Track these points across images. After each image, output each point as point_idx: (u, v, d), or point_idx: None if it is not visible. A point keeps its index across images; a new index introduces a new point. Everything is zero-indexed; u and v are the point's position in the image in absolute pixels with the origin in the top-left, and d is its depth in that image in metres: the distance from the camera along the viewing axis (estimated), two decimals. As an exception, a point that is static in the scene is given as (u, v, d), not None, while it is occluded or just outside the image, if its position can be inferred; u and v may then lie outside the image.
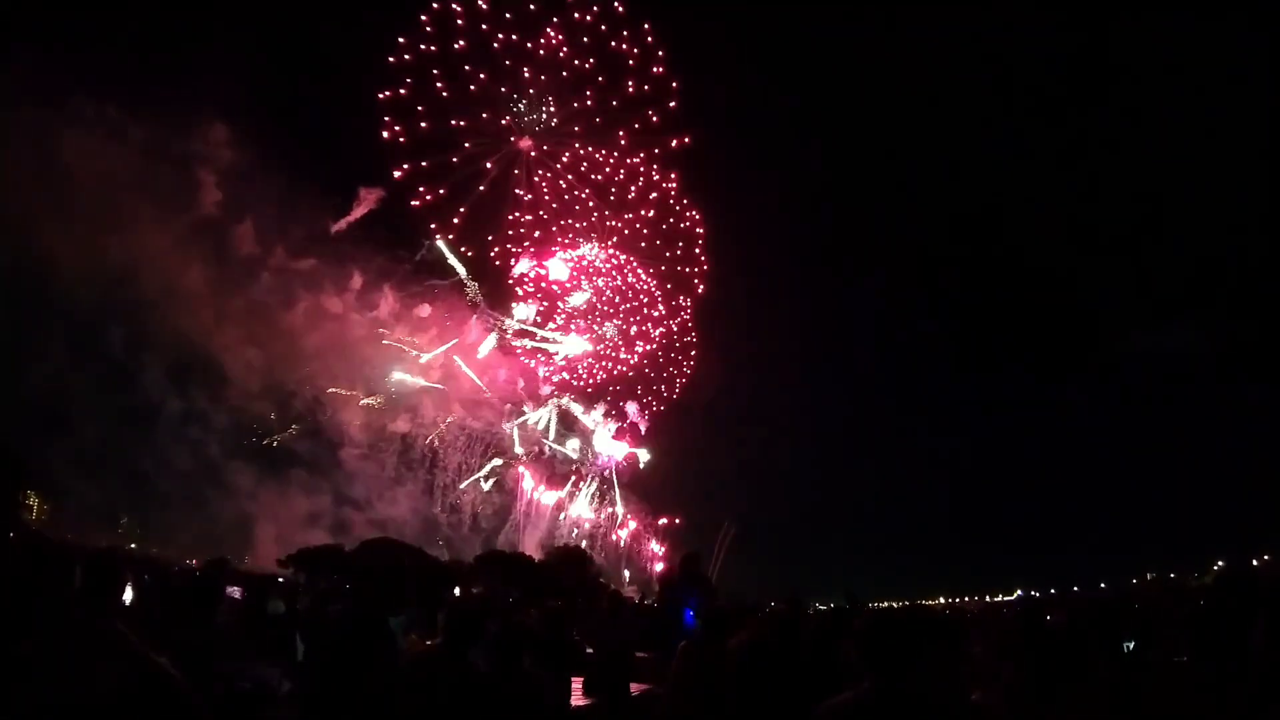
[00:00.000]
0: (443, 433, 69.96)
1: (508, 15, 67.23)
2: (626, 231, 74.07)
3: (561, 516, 74.41)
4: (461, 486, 70.69)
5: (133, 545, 51.52)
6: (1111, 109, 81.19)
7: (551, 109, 70.18)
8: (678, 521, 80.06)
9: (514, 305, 72.49)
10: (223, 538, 56.23)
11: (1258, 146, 70.55)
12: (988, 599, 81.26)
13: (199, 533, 57.61)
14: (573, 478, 76.05)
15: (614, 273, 75.60)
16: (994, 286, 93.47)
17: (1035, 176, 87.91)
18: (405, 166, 66.06)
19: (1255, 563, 65.64)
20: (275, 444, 64.71)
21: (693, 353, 77.39)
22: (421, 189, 66.63)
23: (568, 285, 74.67)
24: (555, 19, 67.98)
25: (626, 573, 75.77)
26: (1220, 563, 65.89)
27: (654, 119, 69.72)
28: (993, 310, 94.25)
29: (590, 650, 12.54)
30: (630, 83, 69.27)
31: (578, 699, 10.48)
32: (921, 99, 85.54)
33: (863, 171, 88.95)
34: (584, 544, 71.64)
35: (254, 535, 58.16)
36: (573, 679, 10.52)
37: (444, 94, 66.33)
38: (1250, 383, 77.07)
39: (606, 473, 76.16)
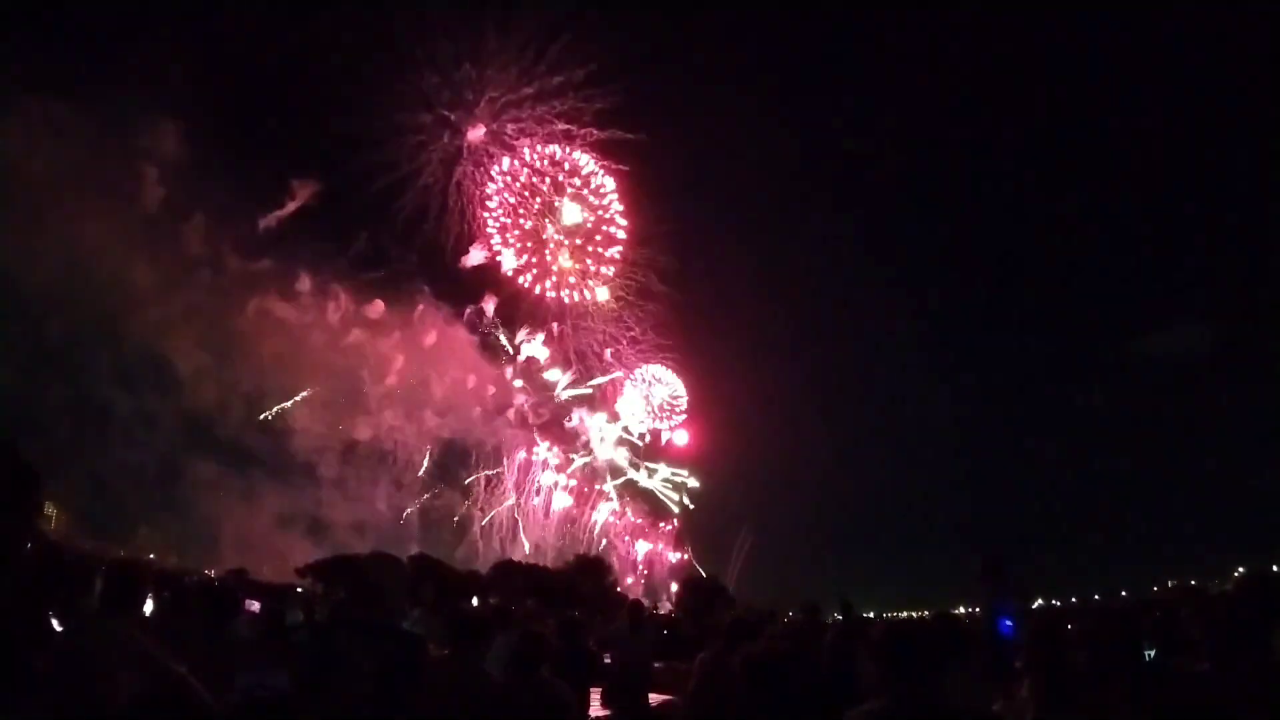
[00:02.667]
0: (408, 438, 69.73)
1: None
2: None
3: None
4: (416, 504, 70.69)
5: (151, 555, 51.66)
6: (1118, 109, 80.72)
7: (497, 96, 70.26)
8: (676, 530, 79.96)
9: (480, 305, 72.53)
10: (192, 543, 56.78)
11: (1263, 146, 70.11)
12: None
13: (170, 537, 58.06)
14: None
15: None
16: (1008, 290, 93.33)
17: (1039, 179, 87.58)
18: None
19: (1276, 568, 64.98)
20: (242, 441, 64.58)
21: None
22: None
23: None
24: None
25: (643, 587, 75.27)
26: (1241, 569, 65.40)
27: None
28: (1007, 314, 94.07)
29: (608, 660, 12.51)
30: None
31: (596, 709, 10.46)
32: (926, 100, 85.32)
33: (865, 176, 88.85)
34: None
35: (238, 543, 58.38)
36: (591, 689, 10.51)
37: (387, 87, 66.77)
38: (1272, 385, 76.58)
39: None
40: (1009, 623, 11.02)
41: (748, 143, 78.45)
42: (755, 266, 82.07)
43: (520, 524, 72.27)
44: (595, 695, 10.79)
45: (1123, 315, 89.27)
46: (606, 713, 10.61)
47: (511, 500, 72.81)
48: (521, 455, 73.85)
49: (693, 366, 79.96)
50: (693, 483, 78.82)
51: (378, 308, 67.66)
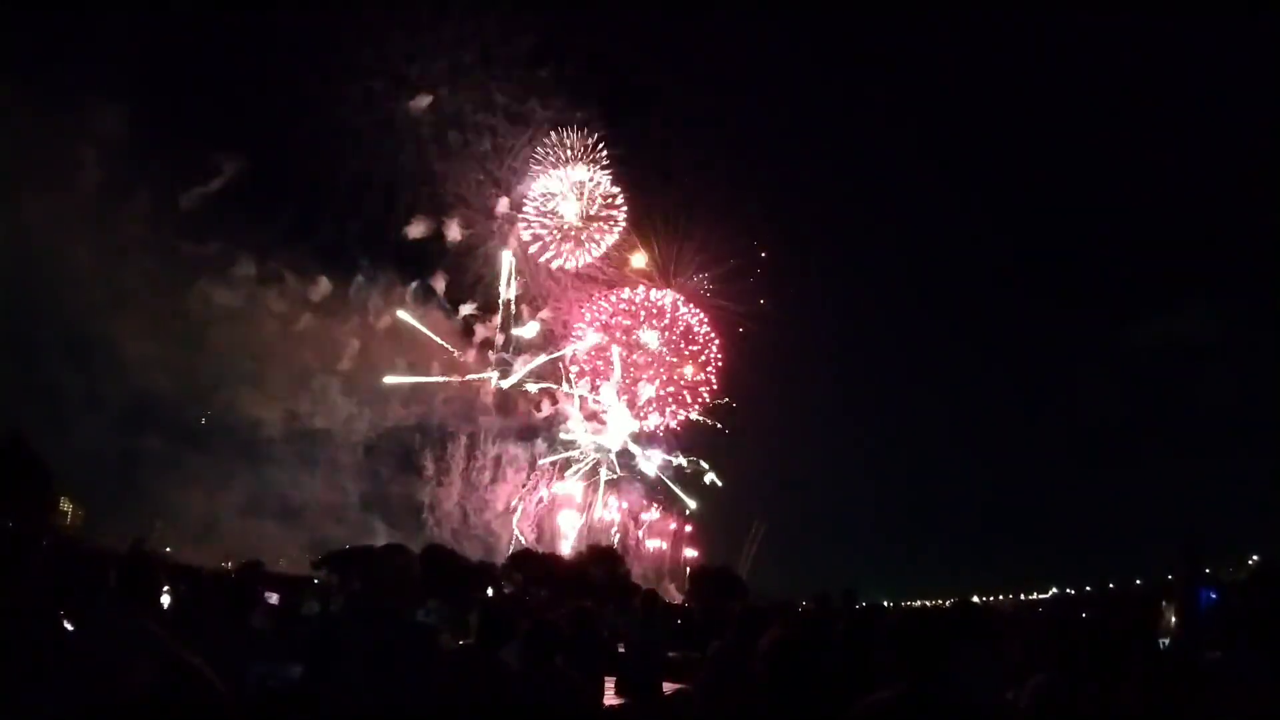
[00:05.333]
0: (370, 424, 68.81)
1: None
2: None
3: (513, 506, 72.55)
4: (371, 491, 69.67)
5: (168, 549, 51.83)
6: (1119, 90, 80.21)
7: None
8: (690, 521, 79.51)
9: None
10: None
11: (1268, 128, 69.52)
12: (1022, 597, 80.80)
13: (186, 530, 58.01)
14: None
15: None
16: (1020, 276, 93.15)
17: (1040, 159, 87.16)
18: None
19: (1292, 557, 64.67)
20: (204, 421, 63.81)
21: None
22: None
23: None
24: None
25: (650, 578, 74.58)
26: (1255, 558, 65.11)
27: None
28: (1019, 299, 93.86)
29: (622, 649, 12.54)
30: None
31: (610, 698, 10.49)
32: (928, 87, 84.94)
33: (868, 171, 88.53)
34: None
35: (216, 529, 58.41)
36: (605, 678, 10.54)
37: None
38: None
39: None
40: (1213, 595, 11.36)
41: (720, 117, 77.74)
42: (759, 258, 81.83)
43: (471, 511, 71.13)
44: (609, 684, 10.82)
45: (1124, 298, 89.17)
46: (621, 702, 10.64)
47: (458, 485, 71.66)
48: (495, 440, 72.90)
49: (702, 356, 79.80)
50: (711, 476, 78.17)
51: (323, 283, 66.18)
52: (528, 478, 72.89)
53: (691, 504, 77.84)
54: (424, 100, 68.57)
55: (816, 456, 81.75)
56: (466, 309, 72.41)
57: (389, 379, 68.82)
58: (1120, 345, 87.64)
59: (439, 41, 68.06)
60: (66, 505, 50.81)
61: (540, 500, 72.93)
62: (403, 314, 69.19)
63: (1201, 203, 76.87)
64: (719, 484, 77.33)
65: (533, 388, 73.97)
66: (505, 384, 72.65)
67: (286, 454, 64.02)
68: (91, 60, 54.62)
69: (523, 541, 68.70)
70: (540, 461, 73.72)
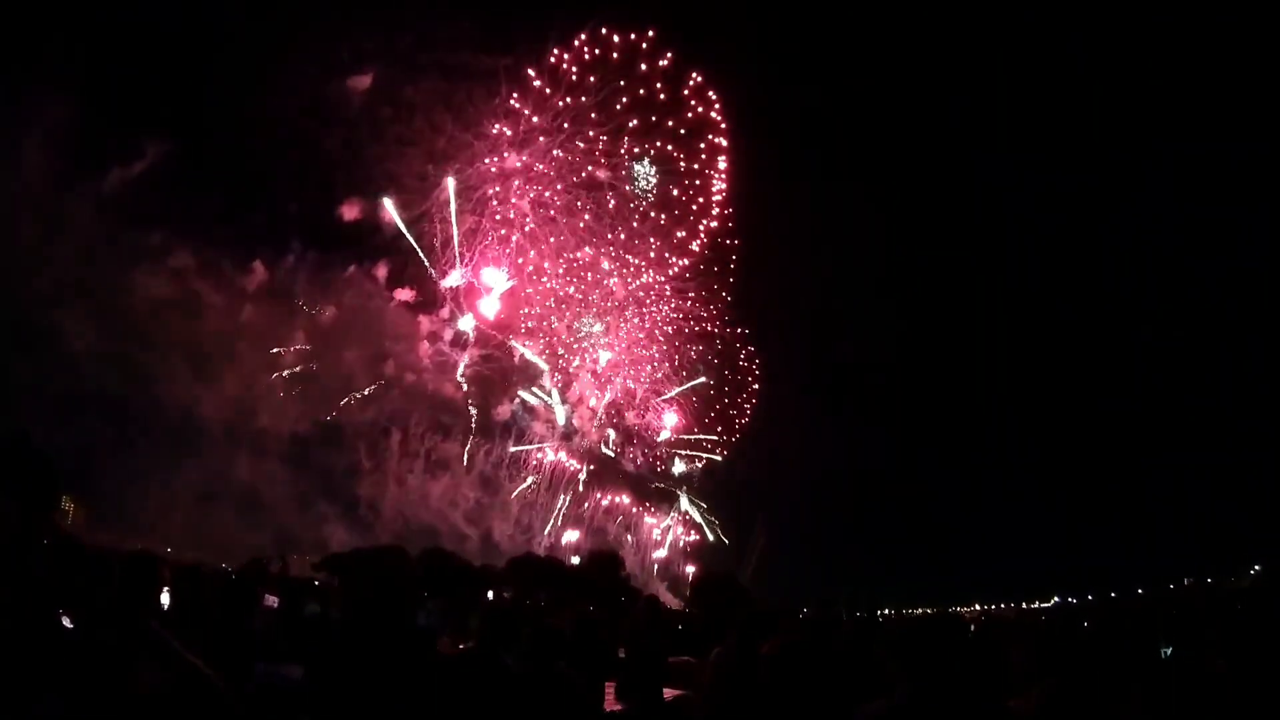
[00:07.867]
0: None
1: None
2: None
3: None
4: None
5: (169, 549, 51.73)
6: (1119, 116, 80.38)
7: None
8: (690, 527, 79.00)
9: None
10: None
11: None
12: (1025, 606, 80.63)
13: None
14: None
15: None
16: (1016, 287, 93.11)
17: (1044, 172, 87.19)
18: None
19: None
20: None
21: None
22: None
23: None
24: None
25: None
26: (1257, 567, 64.88)
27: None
28: (1020, 310, 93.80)
29: (623, 654, 12.51)
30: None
31: (610, 704, 10.47)
32: (926, 97, 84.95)
33: (875, 181, 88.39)
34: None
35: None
36: (606, 683, 10.52)
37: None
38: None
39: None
40: None
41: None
42: (769, 256, 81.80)
43: (407, 511, 70.21)
44: (610, 689, 10.80)
45: (1127, 302, 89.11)
46: (622, 707, 10.62)
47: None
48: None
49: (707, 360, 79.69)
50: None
51: (255, 266, 66.50)
52: (467, 470, 71.73)
53: (685, 505, 77.62)
54: (362, 80, 67.96)
55: (819, 464, 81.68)
56: (404, 294, 71.55)
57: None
58: (1123, 350, 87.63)
59: (376, 24, 67.41)
60: (68, 504, 50.71)
61: (478, 499, 71.48)
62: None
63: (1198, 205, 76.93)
64: (709, 494, 76.96)
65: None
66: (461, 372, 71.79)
67: (235, 445, 63.70)
68: (23, 48, 54.63)
69: (472, 539, 67.50)
70: (501, 466, 72.89)
